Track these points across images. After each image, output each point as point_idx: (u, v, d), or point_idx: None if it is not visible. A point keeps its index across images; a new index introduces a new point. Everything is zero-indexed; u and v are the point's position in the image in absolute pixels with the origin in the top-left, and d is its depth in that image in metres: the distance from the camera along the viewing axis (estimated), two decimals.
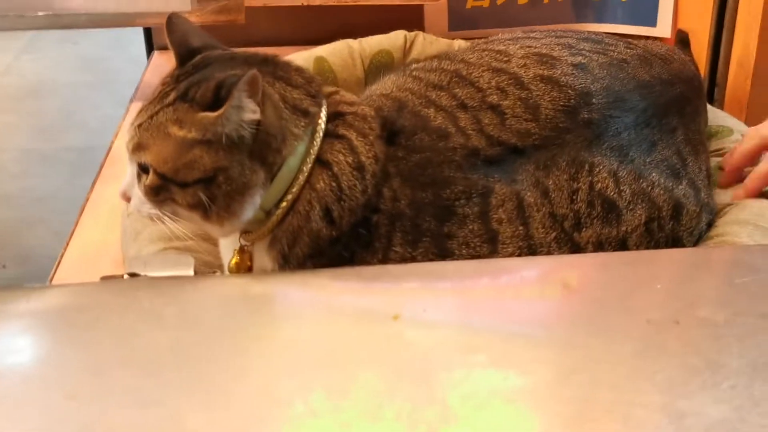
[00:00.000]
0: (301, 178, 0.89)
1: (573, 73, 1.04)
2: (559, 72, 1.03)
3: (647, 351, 0.65)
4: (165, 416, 0.59)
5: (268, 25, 1.77)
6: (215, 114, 0.84)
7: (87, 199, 1.33)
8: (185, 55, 0.95)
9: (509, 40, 1.15)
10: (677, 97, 1.10)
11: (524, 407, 0.60)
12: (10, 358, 0.68)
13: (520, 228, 0.93)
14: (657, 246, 0.99)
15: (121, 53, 3.72)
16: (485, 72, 1.03)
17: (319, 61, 1.44)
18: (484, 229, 0.92)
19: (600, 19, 1.85)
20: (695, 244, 1.03)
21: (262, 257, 0.93)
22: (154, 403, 0.60)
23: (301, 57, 1.43)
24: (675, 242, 1.01)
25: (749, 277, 0.75)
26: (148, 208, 0.91)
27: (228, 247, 0.99)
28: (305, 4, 1.64)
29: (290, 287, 0.81)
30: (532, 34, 1.17)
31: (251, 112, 0.85)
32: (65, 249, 1.19)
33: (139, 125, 0.89)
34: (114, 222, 1.18)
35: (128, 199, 0.93)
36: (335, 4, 1.65)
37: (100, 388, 0.62)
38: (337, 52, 1.46)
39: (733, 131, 1.29)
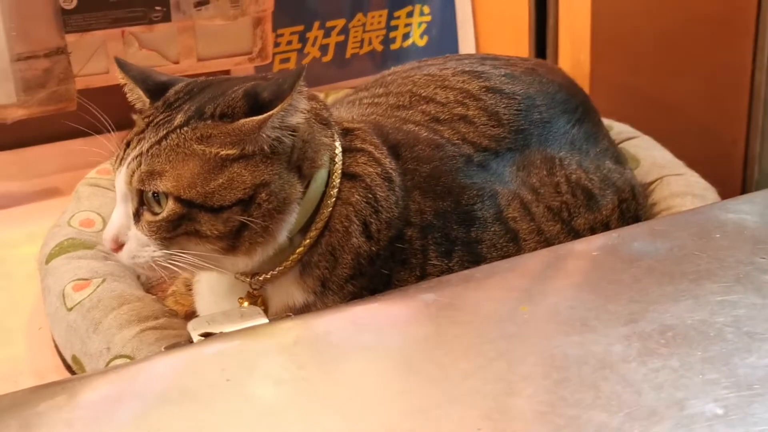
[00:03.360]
0: (333, 192, 0.83)
1: (508, 82, 1.07)
2: (496, 82, 1.06)
3: None
4: None
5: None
6: (263, 117, 0.78)
7: None
8: (155, 89, 0.87)
9: (416, 68, 1.16)
10: (581, 95, 1.18)
11: None
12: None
13: (532, 224, 0.94)
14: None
15: None
16: (437, 89, 1.04)
17: None
18: (505, 228, 0.91)
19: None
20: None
21: (289, 292, 0.85)
22: None
23: None
24: (637, 221, 1.07)
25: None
26: (151, 251, 0.80)
27: (220, 303, 0.90)
28: None
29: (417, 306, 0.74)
30: (429, 62, 1.19)
31: (301, 112, 0.79)
32: None
33: (145, 152, 0.79)
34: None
35: (120, 247, 0.81)
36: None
37: None
38: None
39: None
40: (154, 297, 1.01)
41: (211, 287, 0.92)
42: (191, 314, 1.02)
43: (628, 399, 0.60)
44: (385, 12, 1.91)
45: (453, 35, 1.91)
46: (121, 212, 0.81)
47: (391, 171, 0.87)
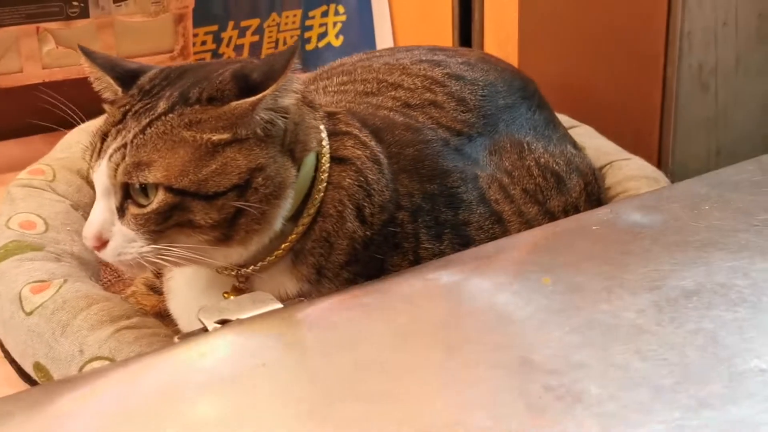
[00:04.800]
0: (324, 177, 0.81)
1: (467, 69, 1.07)
2: (456, 69, 1.06)
3: None
4: None
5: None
6: (256, 98, 0.74)
7: None
8: (124, 76, 0.82)
9: (368, 59, 1.14)
10: (533, 83, 1.19)
11: None
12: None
13: (513, 206, 0.94)
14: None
15: None
16: (403, 76, 1.03)
17: None
18: (489, 211, 0.91)
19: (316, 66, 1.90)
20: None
21: (280, 282, 0.82)
22: None
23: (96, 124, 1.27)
24: (600, 203, 1.08)
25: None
26: (138, 247, 0.75)
27: (199, 299, 0.85)
28: (46, 80, 1.45)
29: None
30: (377, 54, 1.18)
31: (294, 93, 0.76)
32: None
33: (129, 142, 0.74)
34: None
35: (103, 244, 0.76)
36: (78, 77, 1.48)
37: None
38: None
39: None
40: (121, 297, 0.95)
41: (188, 283, 0.88)
42: (157, 315, 0.97)
43: (676, 361, 0.60)
44: (299, 12, 1.88)
45: (370, 35, 1.90)
46: (102, 207, 0.76)
47: (378, 154, 0.85)
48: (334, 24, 1.93)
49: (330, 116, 0.86)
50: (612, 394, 0.57)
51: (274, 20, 1.86)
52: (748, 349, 0.61)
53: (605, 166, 1.20)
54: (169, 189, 0.74)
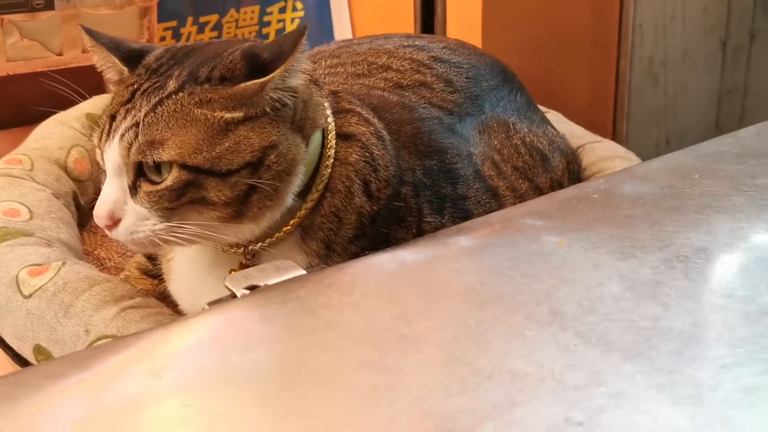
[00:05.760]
0: (330, 153, 0.82)
1: (449, 53, 1.10)
2: (439, 53, 1.09)
3: None
4: None
5: None
6: (264, 79, 0.75)
7: None
8: (129, 56, 0.83)
9: (348, 46, 1.16)
10: (509, 68, 1.22)
11: None
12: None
13: (506, 181, 0.97)
14: None
15: None
16: (390, 59, 1.05)
17: (91, 117, 1.28)
18: (485, 186, 0.94)
19: None
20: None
21: (288, 257, 0.82)
22: None
23: (70, 116, 1.26)
24: (579, 181, 1.12)
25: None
26: (151, 225, 0.76)
27: (203, 278, 0.86)
28: (9, 74, 1.43)
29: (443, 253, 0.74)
30: (355, 41, 1.20)
31: (302, 73, 0.77)
32: None
33: (141, 121, 0.74)
34: None
35: (116, 223, 0.76)
36: (42, 70, 1.47)
37: None
38: (104, 105, 1.31)
39: None
40: (121, 278, 0.95)
41: (190, 263, 0.88)
42: (155, 297, 0.97)
43: (698, 310, 0.63)
44: (257, 8, 1.89)
45: (328, 31, 1.92)
46: (114, 186, 0.76)
47: (381, 130, 0.87)
48: (292, 20, 1.94)
49: (333, 93, 0.87)
50: (643, 341, 0.59)
51: (232, 16, 1.86)
52: (761, 293, 0.64)
53: (578, 148, 1.23)
54: (183, 166, 0.74)
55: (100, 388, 0.54)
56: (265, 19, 1.90)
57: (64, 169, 1.18)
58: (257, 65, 0.77)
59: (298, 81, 0.78)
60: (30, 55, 1.43)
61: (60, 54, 1.46)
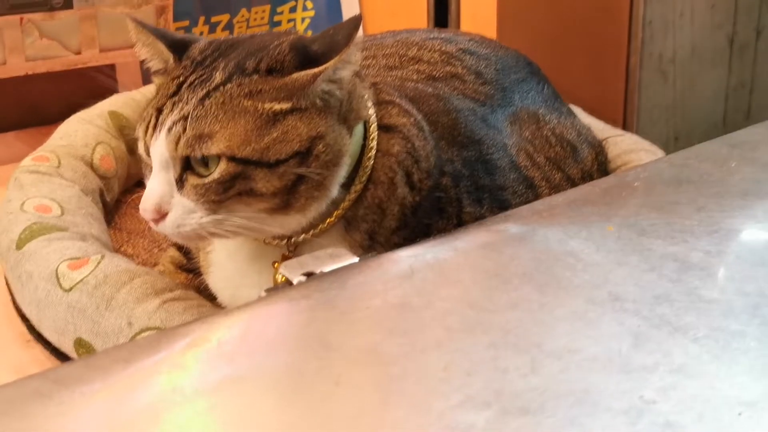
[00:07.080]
0: (373, 144, 0.82)
1: (477, 46, 1.11)
2: (467, 45, 1.09)
3: None
4: None
5: None
6: (318, 70, 0.76)
7: None
8: (174, 45, 0.83)
9: (380, 38, 1.16)
10: (533, 62, 1.23)
11: None
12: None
13: (540, 172, 0.97)
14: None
15: None
16: (421, 51, 1.05)
17: (114, 115, 1.28)
18: (521, 176, 0.94)
19: None
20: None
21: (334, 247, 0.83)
22: None
23: (93, 113, 1.26)
24: (606, 173, 1.13)
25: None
26: (198, 217, 0.76)
27: (244, 270, 0.86)
28: (29, 73, 1.43)
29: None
30: (378, 35, 1.21)
31: (352, 65, 0.77)
32: None
33: (189, 114, 0.75)
34: None
35: (162, 216, 0.76)
36: (61, 69, 1.47)
37: None
38: (126, 104, 1.31)
39: None
40: (160, 271, 0.95)
41: (230, 256, 0.88)
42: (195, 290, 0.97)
43: (755, 292, 0.63)
44: (268, 7, 1.89)
45: None
46: (161, 179, 0.76)
47: (421, 121, 0.88)
48: (303, 19, 1.94)
49: (373, 86, 0.88)
50: (705, 322, 0.60)
51: (243, 16, 1.87)
52: None
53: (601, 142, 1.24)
54: (231, 158, 0.74)
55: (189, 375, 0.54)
56: (276, 18, 1.90)
57: (90, 165, 1.18)
58: (306, 57, 0.77)
59: (346, 72, 0.78)
60: (49, 54, 1.43)
61: (78, 53, 1.46)
